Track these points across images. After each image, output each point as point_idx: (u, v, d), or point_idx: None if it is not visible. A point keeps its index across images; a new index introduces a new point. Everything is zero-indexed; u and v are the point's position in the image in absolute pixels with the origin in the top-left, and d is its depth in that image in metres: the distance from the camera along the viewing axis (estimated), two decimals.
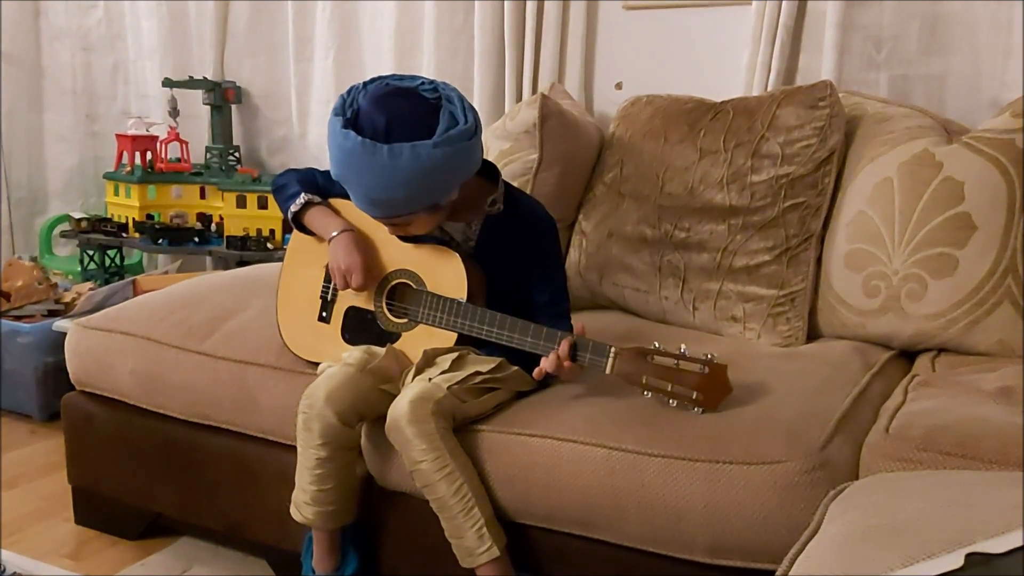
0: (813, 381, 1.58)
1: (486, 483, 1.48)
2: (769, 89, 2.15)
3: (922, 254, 1.72)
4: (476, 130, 1.49)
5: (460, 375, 1.50)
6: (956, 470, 1.22)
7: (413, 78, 1.53)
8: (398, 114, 1.45)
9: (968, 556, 0.82)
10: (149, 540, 1.97)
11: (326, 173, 1.74)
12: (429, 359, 1.55)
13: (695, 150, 1.93)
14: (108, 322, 1.93)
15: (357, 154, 1.44)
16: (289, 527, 1.60)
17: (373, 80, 1.53)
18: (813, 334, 1.87)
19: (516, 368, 1.58)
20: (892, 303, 1.75)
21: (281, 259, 1.81)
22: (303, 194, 1.67)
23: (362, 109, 1.47)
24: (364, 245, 1.64)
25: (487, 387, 1.54)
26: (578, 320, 1.56)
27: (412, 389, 1.46)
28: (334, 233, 1.64)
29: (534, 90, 2.46)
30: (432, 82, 1.52)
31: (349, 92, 1.52)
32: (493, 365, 1.55)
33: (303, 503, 1.54)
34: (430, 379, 1.49)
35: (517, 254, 1.63)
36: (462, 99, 1.51)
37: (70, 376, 1.97)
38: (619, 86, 2.45)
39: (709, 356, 1.43)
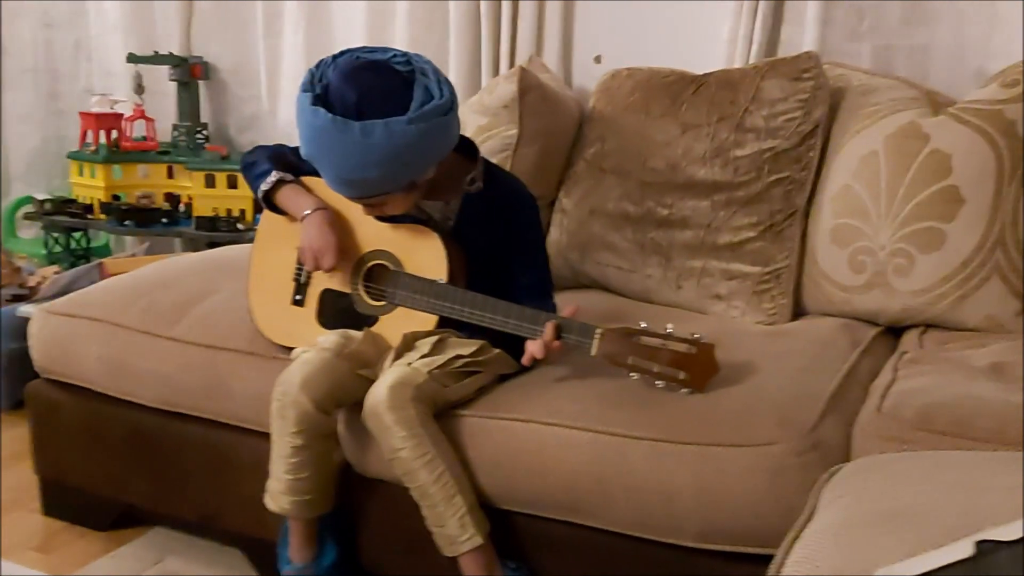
0: (800, 360, 1.55)
1: (469, 469, 1.44)
2: (751, 61, 2.10)
3: (909, 228, 1.69)
4: (452, 104, 1.44)
5: (441, 359, 1.46)
6: (953, 451, 1.19)
7: (385, 50, 1.47)
8: (370, 89, 1.39)
9: (978, 544, 0.78)
10: (120, 531, 1.91)
11: (297, 150, 1.68)
12: (408, 343, 1.50)
13: (677, 124, 1.88)
14: (73, 307, 1.87)
15: (328, 132, 1.38)
16: (265, 516, 1.55)
17: (343, 53, 1.47)
18: (798, 311, 1.85)
19: (498, 351, 1.53)
20: (879, 279, 1.72)
21: (251, 240, 1.75)
22: (274, 172, 1.61)
23: (332, 84, 1.41)
24: (338, 225, 1.58)
25: (469, 371, 1.50)
26: (571, 302, 1.51)
27: (391, 374, 1.42)
28: (306, 212, 1.58)
29: (511, 64, 2.40)
30: (405, 54, 1.46)
31: (318, 66, 1.46)
32: (475, 348, 1.50)
33: (278, 493, 1.49)
34: (409, 364, 1.44)
35: (498, 233, 1.59)
36: (436, 72, 1.45)
37: (34, 363, 1.90)
38: (598, 59, 2.39)
39: (696, 336, 1.39)
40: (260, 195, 1.63)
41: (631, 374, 1.41)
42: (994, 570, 0.75)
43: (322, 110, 1.38)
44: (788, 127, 1.79)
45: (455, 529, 1.39)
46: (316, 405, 1.43)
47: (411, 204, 1.53)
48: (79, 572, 1.79)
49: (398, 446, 1.38)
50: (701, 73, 1.96)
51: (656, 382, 1.40)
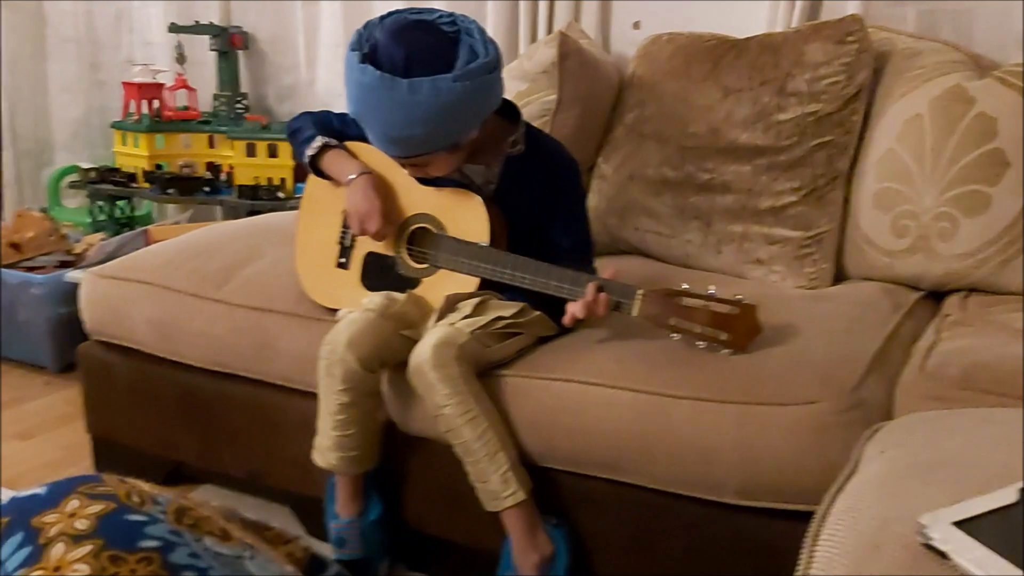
0: (842, 322, 1.55)
1: (511, 428, 1.46)
2: (794, 25, 2.09)
3: (954, 192, 1.68)
4: (497, 63, 1.45)
5: (482, 320, 1.48)
6: (995, 408, 1.19)
7: (431, 11, 1.48)
8: (417, 47, 1.40)
9: (1022, 491, 0.80)
10: (170, 488, 1.95)
11: (342, 115, 1.70)
12: (451, 304, 1.52)
13: (719, 89, 1.88)
14: (122, 271, 1.91)
15: (375, 90, 1.40)
16: (311, 473, 1.59)
17: (390, 14, 1.48)
18: (839, 276, 1.84)
19: (539, 313, 1.55)
20: (922, 243, 1.71)
21: (292, 208, 1.78)
22: (319, 137, 1.63)
23: (380, 43, 1.42)
24: (382, 189, 1.60)
25: (510, 332, 1.51)
26: (610, 265, 1.53)
27: (435, 334, 1.44)
28: (351, 176, 1.60)
29: (549, 30, 2.40)
30: (451, 15, 1.47)
31: (366, 27, 1.47)
32: (516, 310, 1.52)
33: (326, 449, 1.52)
34: (452, 324, 1.46)
35: (539, 197, 1.60)
36: (482, 31, 1.46)
37: (85, 326, 1.95)
38: (637, 25, 2.38)
39: (738, 297, 1.40)
40: (306, 160, 1.65)
41: (673, 335, 1.42)
42: None
43: (370, 67, 1.39)
44: (831, 91, 1.78)
45: (498, 485, 1.42)
46: (362, 363, 1.46)
47: (455, 165, 1.55)
48: None
49: (442, 403, 1.41)
50: (743, 37, 1.95)
51: (698, 343, 1.41)
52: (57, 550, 0.59)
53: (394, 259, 1.62)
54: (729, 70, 1.88)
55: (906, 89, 1.78)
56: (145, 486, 0.71)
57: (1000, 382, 1.24)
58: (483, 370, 1.48)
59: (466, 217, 1.55)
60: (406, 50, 1.40)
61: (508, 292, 1.55)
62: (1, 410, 2.35)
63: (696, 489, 1.37)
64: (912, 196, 1.72)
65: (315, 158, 1.64)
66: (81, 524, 0.62)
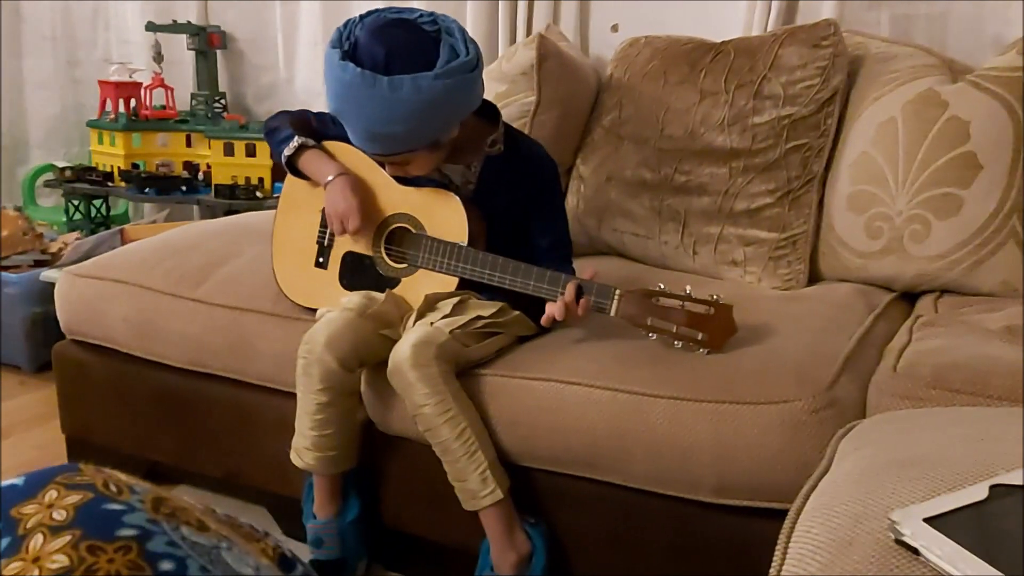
0: (817, 322, 1.57)
1: (489, 427, 1.47)
2: (770, 29, 2.11)
3: (926, 194, 1.70)
4: (477, 63, 1.46)
5: (462, 319, 1.48)
6: (967, 407, 1.21)
7: (411, 11, 1.49)
8: (398, 45, 1.41)
9: (992, 488, 0.81)
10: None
11: (320, 115, 1.70)
12: (430, 303, 1.52)
13: (695, 91, 1.89)
14: (99, 270, 1.90)
15: (356, 87, 1.40)
16: (289, 473, 1.59)
17: (371, 12, 1.49)
18: (814, 277, 1.86)
19: (518, 313, 1.56)
20: (895, 244, 1.74)
21: (270, 208, 1.78)
22: (296, 137, 1.63)
23: (360, 41, 1.43)
24: (361, 189, 1.60)
25: (489, 332, 1.52)
26: (589, 266, 1.54)
27: (414, 333, 1.44)
28: (330, 177, 1.60)
29: (528, 32, 2.41)
30: (431, 14, 1.47)
31: (346, 25, 1.47)
32: (495, 309, 1.53)
33: (303, 449, 1.52)
34: (432, 323, 1.47)
35: (518, 197, 1.61)
36: (462, 31, 1.47)
37: (61, 325, 1.93)
38: (615, 28, 2.40)
39: (714, 297, 1.41)
40: (283, 160, 1.65)
41: (650, 334, 1.43)
42: (1007, 511, 0.78)
43: (351, 64, 1.40)
44: (806, 94, 1.80)
45: (476, 484, 1.42)
46: (340, 363, 1.46)
47: (434, 164, 1.55)
48: None
49: (421, 403, 1.41)
50: (719, 41, 1.96)
51: (675, 342, 1.42)
52: (36, 541, 0.59)
53: (373, 259, 1.63)
54: (706, 73, 1.89)
55: (880, 93, 1.80)
56: (122, 476, 0.71)
57: (971, 381, 1.26)
58: (462, 369, 1.49)
59: (445, 217, 1.56)
60: (387, 47, 1.40)
61: (487, 292, 1.56)
62: None
63: (673, 487, 1.38)
64: (885, 199, 1.74)
65: (292, 158, 1.64)
66: (59, 514, 0.62)
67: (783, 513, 0.97)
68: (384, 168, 1.58)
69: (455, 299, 1.52)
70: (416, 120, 1.42)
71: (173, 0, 3.08)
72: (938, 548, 0.74)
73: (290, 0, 2.88)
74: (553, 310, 1.46)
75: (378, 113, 1.41)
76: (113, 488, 0.66)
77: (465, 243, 1.54)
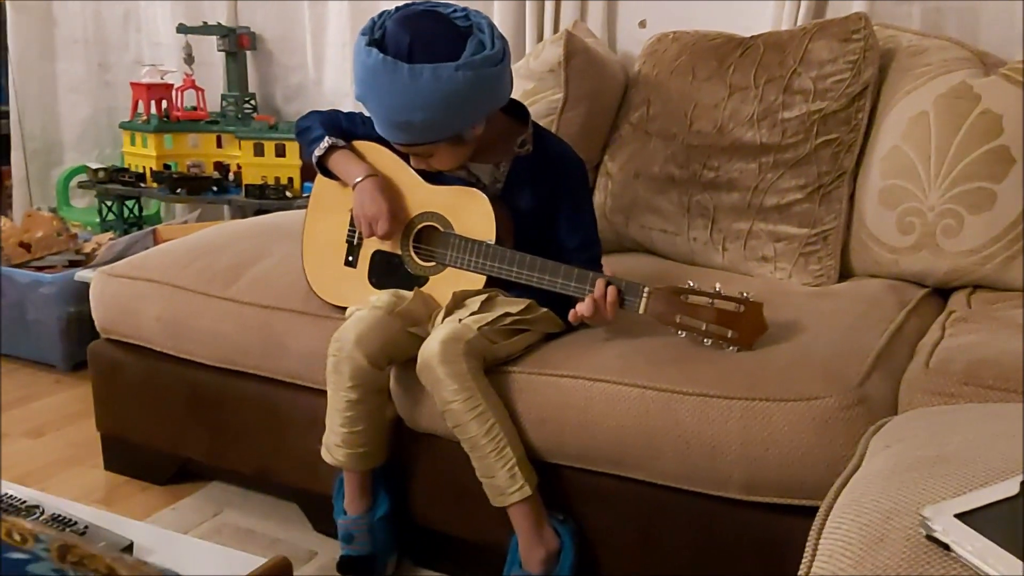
0: (847, 319, 1.56)
1: (517, 424, 1.47)
2: (799, 23, 2.09)
3: (959, 189, 1.68)
4: (503, 58, 1.46)
5: (490, 316, 1.49)
6: (998, 403, 1.20)
7: (446, 5, 1.50)
8: (423, 34, 1.42)
9: (1023, 484, 0.80)
10: (179, 485, 1.98)
11: (350, 115, 1.72)
12: (458, 301, 1.53)
13: (724, 87, 1.88)
14: (132, 270, 1.92)
15: (378, 72, 1.42)
16: (319, 470, 1.60)
17: (406, 4, 1.50)
18: (845, 273, 1.85)
19: (545, 310, 1.56)
20: (927, 240, 1.72)
21: (300, 207, 1.79)
22: (327, 138, 1.64)
23: (388, 29, 1.45)
24: (389, 190, 1.61)
25: (517, 329, 1.52)
26: (606, 265, 1.54)
27: (443, 330, 1.45)
28: (358, 179, 1.61)
29: (556, 29, 2.41)
30: (465, 10, 1.48)
31: (380, 15, 1.50)
32: (523, 307, 1.53)
33: (334, 445, 1.54)
34: (460, 320, 1.47)
35: (546, 197, 1.61)
36: (492, 27, 1.48)
37: (95, 324, 1.96)
38: (643, 24, 2.39)
39: (744, 294, 1.40)
40: (313, 160, 1.66)
41: (679, 332, 1.43)
42: None
43: (375, 50, 1.42)
44: (837, 88, 1.78)
45: (504, 480, 1.43)
46: (370, 360, 1.47)
47: (459, 160, 1.56)
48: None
49: (450, 399, 1.42)
50: (748, 36, 1.95)
51: (704, 340, 1.42)
52: None
53: (401, 257, 1.63)
54: (734, 68, 1.88)
55: (911, 87, 1.78)
56: (27, 524, 0.70)
57: (1003, 378, 1.24)
58: (490, 366, 1.49)
59: (473, 216, 1.56)
60: (411, 35, 1.42)
61: (514, 289, 1.56)
62: (3, 407, 2.37)
63: (702, 484, 1.37)
64: (917, 193, 1.72)
65: (322, 158, 1.65)
66: None
67: (813, 510, 0.97)
68: (409, 162, 1.59)
69: (483, 296, 1.53)
70: (435, 110, 1.43)
71: (203, 1, 3.11)
72: (969, 544, 0.73)
73: (319, 0, 2.89)
74: (582, 308, 1.46)
75: (398, 100, 1.43)
76: (17, 537, 0.66)
77: (493, 241, 1.54)
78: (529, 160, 1.60)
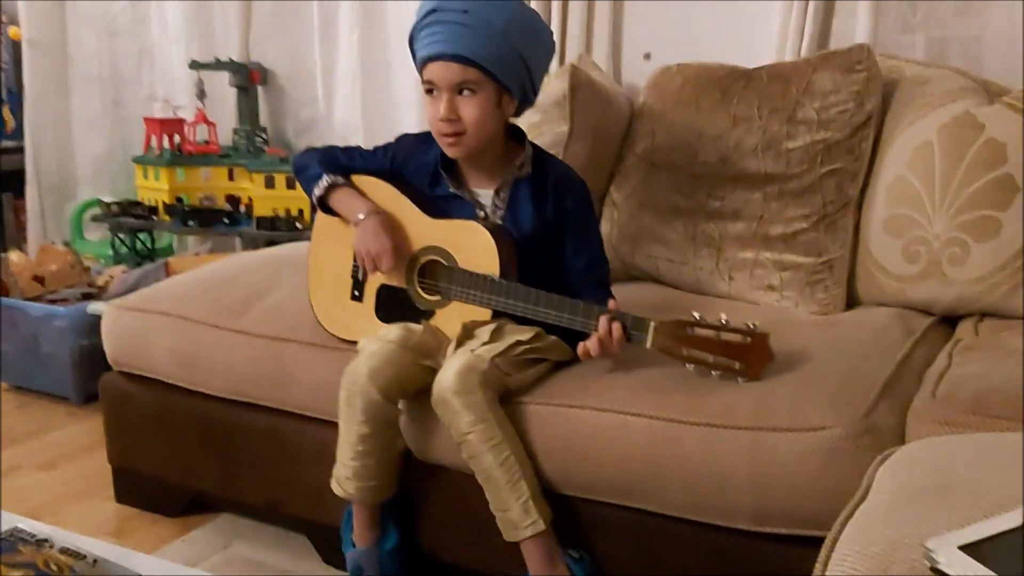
0: (854, 348, 1.56)
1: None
2: (803, 55, 2.11)
3: (964, 217, 1.69)
4: (551, 41, 1.62)
5: (501, 346, 1.49)
6: (1006, 432, 1.20)
7: None
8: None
9: None
10: (190, 517, 1.98)
11: (347, 151, 1.74)
12: (469, 331, 1.54)
13: (728, 117, 1.90)
14: (144, 302, 1.94)
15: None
16: (328, 502, 1.61)
17: None
18: (852, 302, 1.85)
19: (554, 338, 1.56)
20: (933, 268, 1.72)
21: (310, 239, 1.81)
22: (325, 176, 1.65)
23: None
24: (391, 227, 1.62)
25: (529, 359, 1.53)
26: (618, 296, 1.54)
27: (457, 361, 1.45)
28: (360, 216, 1.62)
29: (561, 62, 2.44)
30: None
31: None
32: (532, 334, 1.54)
33: (344, 478, 1.54)
34: (472, 351, 1.48)
35: (550, 218, 1.62)
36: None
37: (107, 356, 1.98)
38: (647, 56, 2.42)
39: (751, 325, 1.41)
40: (314, 199, 1.68)
41: (687, 365, 1.43)
42: None
43: None
44: (840, 119, 1.79)
45: (518, 514, 1.42)
46: (382, 394, 1.48)
47: (486, 128, 1.55)
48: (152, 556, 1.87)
49: (466, 430, 1.42)
50: (752, 67, 1.97)
51: (712, 372, 1.42)
52: None
53: (407, 292, 1.64)
54: (738, 99, 1.90)
55: (915, 116, 1.79)
56: (61, 556, 0.72)
57: (1010, 407, 1.24)
58: (502, 397, 1.49)
59: (475, 249, 1.57)
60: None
61: (522, 320, 1.57)
62: (17, 441, 2.38)
63: (710, 515, 1.37)
64: (922, 222, 1.73)
65: (323, 197, 1.66)
66: None
67: (822, 540, 0.97)
68: (441, 111, 1.53)
69: (492, 326, 1.53)
70: (493, 32, 1.49)
71: (215, 38, 3.17)
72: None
73: (329, 37, 2.94)
74: (591, 348, 1.46)
75: (456, 17, 1.49)
76: (53, 567, 0.68)
77: (497, 275, 1.55)
78: (530, 182, 1.62)
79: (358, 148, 1.75)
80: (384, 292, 1.67)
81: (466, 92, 1.52)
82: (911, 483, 0.99)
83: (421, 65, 1.56)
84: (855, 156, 1.81)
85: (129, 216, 3.04)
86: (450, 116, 1.53)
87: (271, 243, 2.68)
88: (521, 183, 1.62)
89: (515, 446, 1.44)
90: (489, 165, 1.61)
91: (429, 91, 1.56)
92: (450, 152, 1.58)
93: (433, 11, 1.52)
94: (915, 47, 2.09)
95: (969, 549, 0.76)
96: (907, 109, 1.82)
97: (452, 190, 1.63)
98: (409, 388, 1.53)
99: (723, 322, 1.42)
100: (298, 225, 2.79)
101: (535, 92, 1.61)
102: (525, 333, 1.53)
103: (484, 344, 1.49)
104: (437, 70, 1.53)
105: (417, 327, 1.57)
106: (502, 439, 1.42)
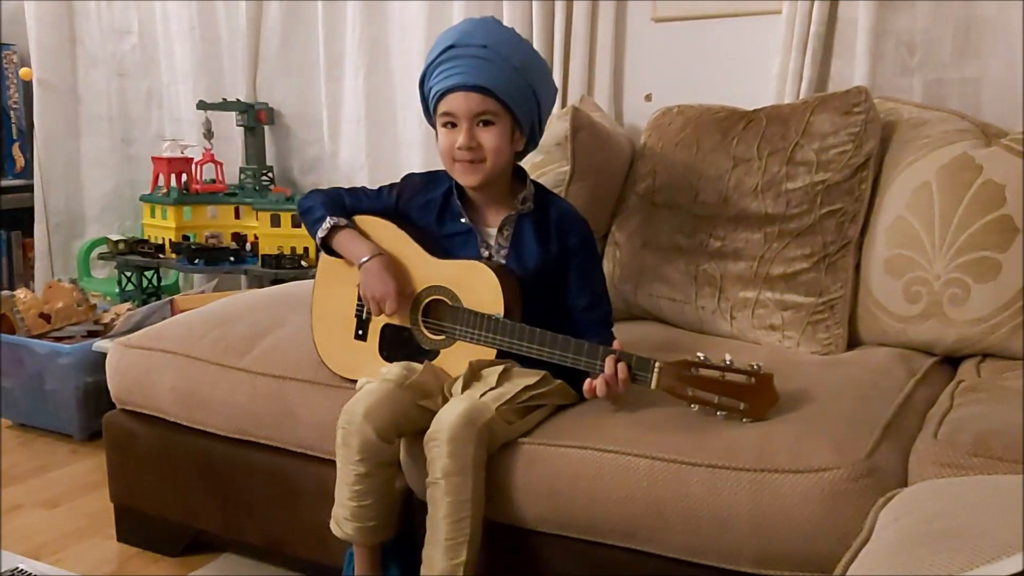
0: (856, 388, 1.56)
1: (527, 495, 1.47)
2: (801, 97, 2.14)
3: (964, 258, 1.70)
4: (553, 88, 1.67)
5: (508, 394, 1.49)
6: (1008, 475, 1.19)
7: None
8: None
9: None
10: (191, 556, 1.98)
11: (352, 192, 1.76)
12: (475, 371, 1.54)
13: (728, 158, 1.92)
14: (148, 340, 1.95)
15: (487, 24, 1.60)
16: (330, 542, 1.60)
17: None
18: (853, 341, 1.85)
19: (560, 382, 1.57)
20: (934, 309, 1.73)
21: (315, 277, 1.82)
22: (329, 218, 1.67)
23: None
24: (395, 268, 1.63)
25: (533, 405, 1.53)
26: (615, 333, 1.55)
27: (461, 405, 1.45)
28: (364, 259, 1.63)
29: (563, 104, 2.47)
30: None
31: None
32: (538, 379, 1.54)
33: (343, 519, 1.54)
34: (480, 396, 1.48)
35: (552, 255, 1.63)
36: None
37: (111, 394, 1.99)
38: (649, 98, 2.45)
39: (755, 366, 1.41)
40: (317, 241, 1.70)
41: (691, 405, 1.43)
42: None
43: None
44: (840, 160, 1.81)
45: (442, 571, 1.41)
46: (378, 434, 1.48)
47: (503, 158, 1.59)
48: None
49: (440, 475, 1.41)
50: (752, 109, 1.99)
51: (717, 413, 1.42)
52: None
53: (411, 331, 1.65)
54: (738, 140, 1.92)
55: (913, 158, 1.81)
56: None
57: (1012, 448, 1.24)
58: (502, 443, 1.49)
59: (479, 289, 1.58)
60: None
61: (528, 361, 1.57)
62: (20, 478, 2.38)
63: (712, 557, 1.37)
64: (923, 263, 1.74)
65: (326, 239, 1.68)
66: None
67: None
68: (461, 139, 1.56)
69: (499, 368, 1.53)
70: (523, 72, 1.56)
71: (223, 79, 3.21)
72: None
73: (334, 78, 2.98)
74: (597, 388, 1.47)
75: (504, 44, 1.57)
76: None
77: (501, 315, 1.56)
78: (533, 219, 1.64)
79: (363, 188, 1.77)
80: (388, 332, 1.68)
81: (484, 123, 1.56)
82: (913, 527, 0.99)
83: (438, 98, 1.58)
84: (855, 197, 1.82)
85: (136, 254, 3.07)
86: (470, 144, 1.57)
87: (276, 281, 2.70)
88: (524, 220, 1.64)
89: (475, 513, 1.43)
90: (496, 200, 1.64)
91: (446, 124, 1.59)
92: (466, 180, 1.61)
93: (452, 47, 1.56)
94: (913, 90, 2.12)
95: None
96: (905, 150, 1.84)
97: (464, 220, 1.64)
98: (407, 428, 1.53)
99: (727, 363, 1.42)
100: (303, 263, 2.81)
101: (540, 132, 1.65)
102: (532, 377, 1.53)
103: (492, 389, 1.49)
104: (458, 100, 1.56)
105: (418, 366, 1.58)
106: (467, 500, 1.41)
